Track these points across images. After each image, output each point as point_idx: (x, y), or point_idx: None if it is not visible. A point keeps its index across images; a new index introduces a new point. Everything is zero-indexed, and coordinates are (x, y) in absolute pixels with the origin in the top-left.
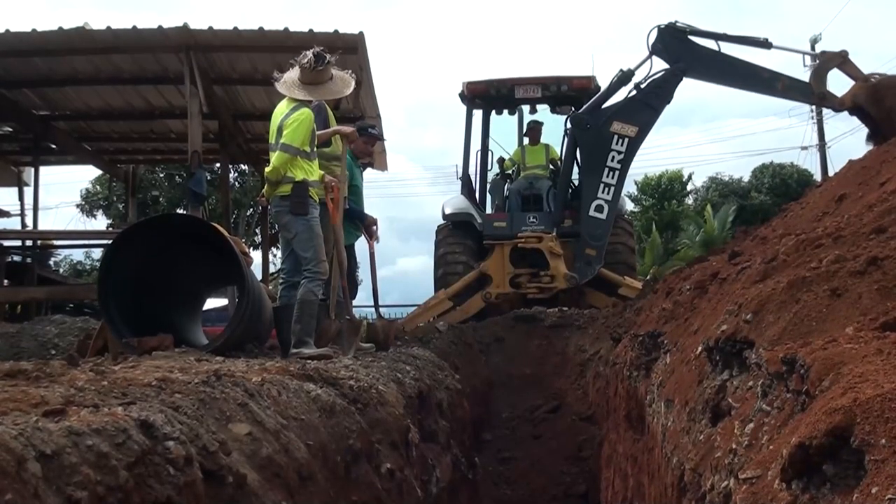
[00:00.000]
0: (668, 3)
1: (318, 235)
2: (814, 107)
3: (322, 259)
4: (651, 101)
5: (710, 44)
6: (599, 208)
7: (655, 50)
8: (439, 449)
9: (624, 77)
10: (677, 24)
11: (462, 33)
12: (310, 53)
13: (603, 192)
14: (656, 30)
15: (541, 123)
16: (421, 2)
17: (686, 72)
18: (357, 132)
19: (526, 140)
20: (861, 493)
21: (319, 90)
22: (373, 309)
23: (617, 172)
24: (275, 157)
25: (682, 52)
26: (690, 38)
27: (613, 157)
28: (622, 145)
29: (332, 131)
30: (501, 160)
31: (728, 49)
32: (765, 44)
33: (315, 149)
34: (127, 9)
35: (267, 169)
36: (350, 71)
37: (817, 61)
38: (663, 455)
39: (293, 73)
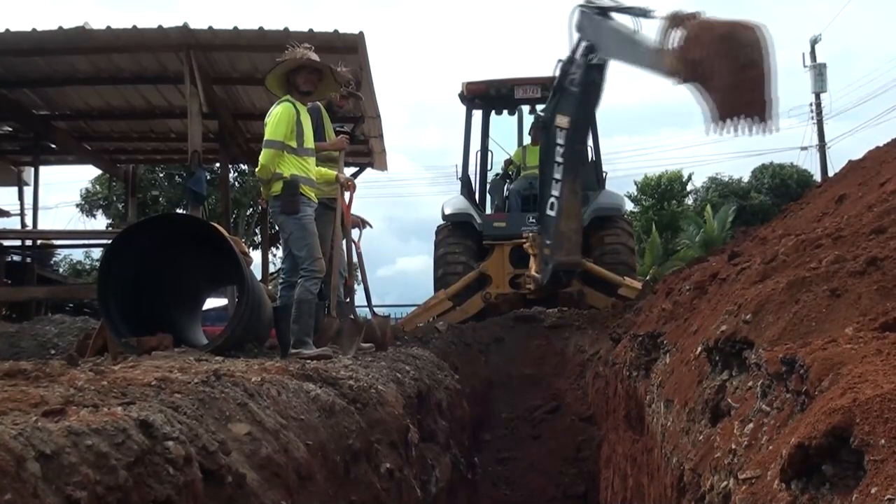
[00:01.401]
0: (666, 5)
1: (311, 234)
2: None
3: (317, 257)
4: (571, 88)
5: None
6: (552, 206)
7: (578, 31)
8: (438, 449)
9: (562, 66)
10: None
11: (462, 33)
12: (302, 51)
13: (553, 188)
14: (577, 10)
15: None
16: (421, 2)
17: (592, 51)
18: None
19: (527, 140)
20: (860, 493)
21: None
22: (366, 309)
23: (562, 167)
24: (261, 154)
25: (590, 30)
26: (603, 14)
27: (558, 152)
28: (562, 138)
29: (328, 147)
30: (509, 161)
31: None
32: (643, 12)
33: (304, 145)
34: (127, 8)
35: (256, 169)
36: (342, 65)
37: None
38: (663, 455)
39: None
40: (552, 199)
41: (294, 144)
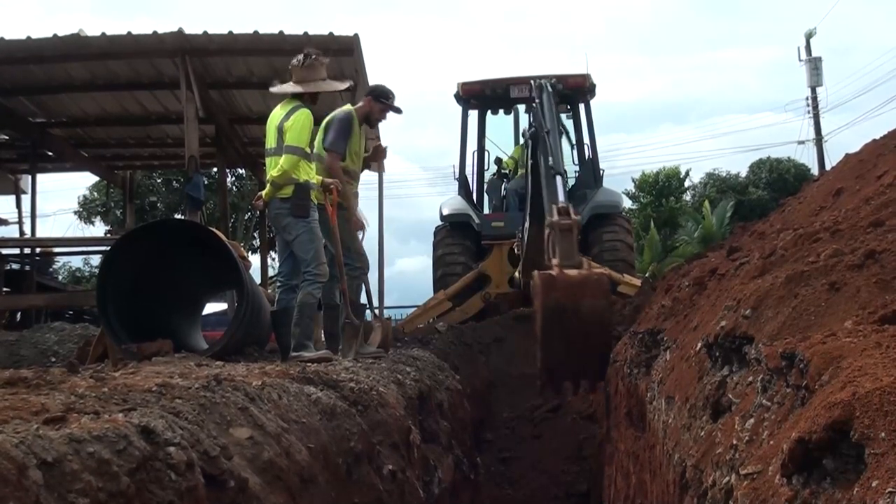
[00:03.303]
0: (661, 4)
1: (318, 238)
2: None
3: (322, 262)
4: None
5: None
6: (525, 230)
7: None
8: (440, 449)
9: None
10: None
11: (457, 34)
12: (300, 55)
13: (526, 218)
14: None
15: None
16: (416, 4)
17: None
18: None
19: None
20: (861, 486)
21: (311, 86)
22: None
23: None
24: (283, 159)
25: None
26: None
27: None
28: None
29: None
30: (499, 160)
31: None
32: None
33: (312, 151)
34: (122, 15)
35: (274, 172)
36: (350, 82)
37: None
38: (664, 452)
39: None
40: (527, 223)
41: (308, 150)
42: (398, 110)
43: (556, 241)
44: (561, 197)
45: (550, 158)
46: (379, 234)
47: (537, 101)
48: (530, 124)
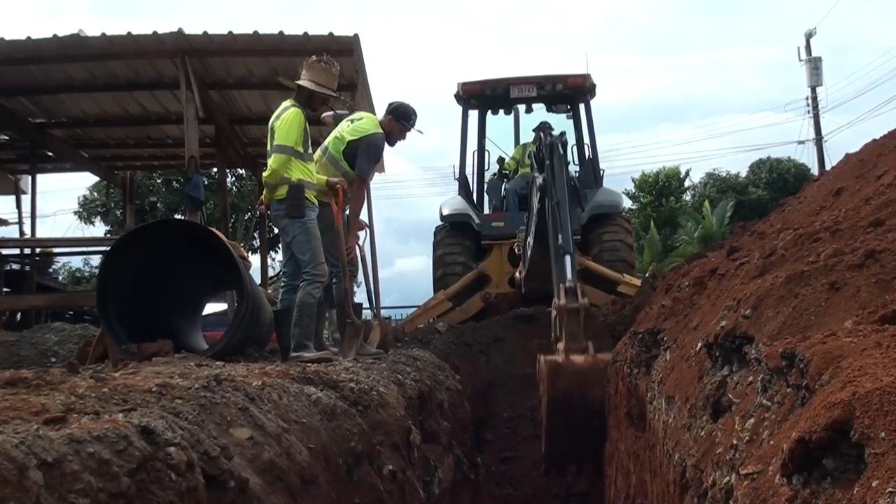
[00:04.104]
0: (661, 3)
1: (315, 238)
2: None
3: (320, 261)
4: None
5: None
6: (529, 244)
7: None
8: (441, 449)
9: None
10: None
11: (457, 34)
12: (316, 56)
13: (529, 233)
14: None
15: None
16: (416, 4)
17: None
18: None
19: (524, 138)
20: (861, 486)
21: (311, 84)
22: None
23: (534, 229)
24: (272, 159)
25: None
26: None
27: (534, 208)
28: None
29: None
30: (501, 160)
31: None
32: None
33: (307, 150)
34: (121, 16)
35: (265, 173)
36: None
37: None
38: (665, 452)
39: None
40: (530, 239)
41: (301, 150)
42: (419, 132)
43: (564, 323)
44: (569, 276)
45: (560, 237)
46: (370, 234)
47: (547, 162)
48: (536, 129)
